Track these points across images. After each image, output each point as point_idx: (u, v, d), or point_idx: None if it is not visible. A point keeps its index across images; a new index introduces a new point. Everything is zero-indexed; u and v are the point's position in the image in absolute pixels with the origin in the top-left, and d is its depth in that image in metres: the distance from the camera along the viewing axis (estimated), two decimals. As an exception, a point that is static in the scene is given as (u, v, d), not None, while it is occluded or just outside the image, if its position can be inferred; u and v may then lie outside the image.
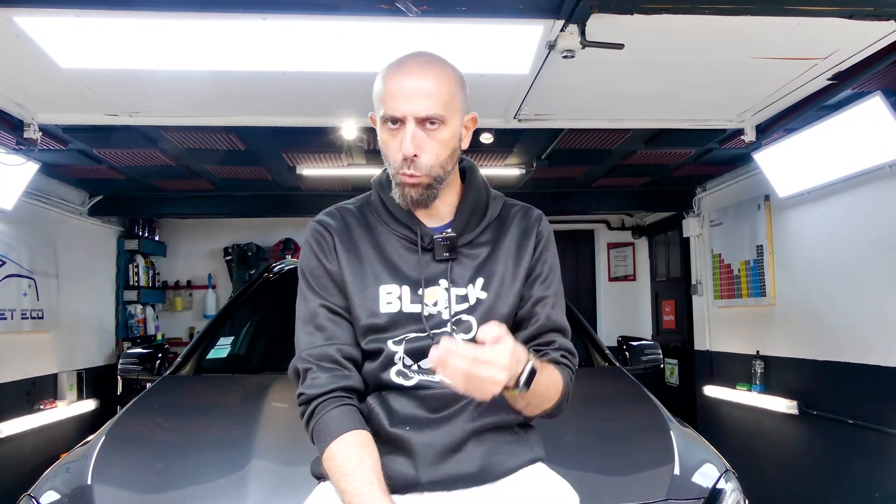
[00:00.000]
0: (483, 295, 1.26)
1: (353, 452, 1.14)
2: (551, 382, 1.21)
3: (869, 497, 3.21)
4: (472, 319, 1.25)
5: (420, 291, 1.25)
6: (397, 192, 1.26)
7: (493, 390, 1.06)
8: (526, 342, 1.27)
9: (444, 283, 1.26)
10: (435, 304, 1.25)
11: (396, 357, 1.23)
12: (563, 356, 1.29)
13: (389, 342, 1.23)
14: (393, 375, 1.23)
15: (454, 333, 1.24)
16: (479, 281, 1.27)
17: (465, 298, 1.26)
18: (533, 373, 1.12)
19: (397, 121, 1.21)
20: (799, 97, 2.76)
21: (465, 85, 1.27)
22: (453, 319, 1.24)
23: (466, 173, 1.35)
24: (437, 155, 1.22)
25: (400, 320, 1.24)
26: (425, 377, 1.23)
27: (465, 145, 1.30)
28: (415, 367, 1.24)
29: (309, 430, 1.21)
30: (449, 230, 1.29)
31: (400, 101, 1.20)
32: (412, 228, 1.29)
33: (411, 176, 1.22)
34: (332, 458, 1.15)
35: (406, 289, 1.25)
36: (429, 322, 1.24)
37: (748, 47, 2.25)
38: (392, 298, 1.25)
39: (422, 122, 1.20)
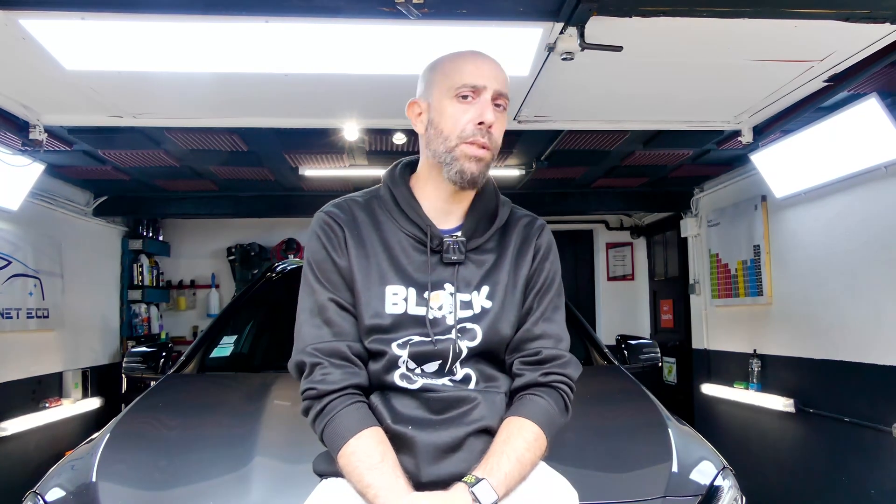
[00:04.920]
0: (488, 304, 1.26)
1: (375, 448, 1.15)
2: (526, 459, 1.18)
3: (865, 494, 3.23)
4: (477, 329, 1.25)
5: (426, 294, 1.24)
6: (453, 169, 1.22)
7: None
8: (512, 352, 1.28)
9: (449, 287, 1.25)
10: (440, 308, 1.24)
11: (400, 361, 1.23)
12: (548, 379, 1.25)
13: (393, 345, 1.23)
14: (396, 378, 1.23)
15: (458, 340, 1.24)
16: (485, 289, 1.27)
17: (469, 305, 1.26)
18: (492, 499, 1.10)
19: (475, 90, 1.22)
20: (795, 99, 2.77)
21: None
22: (458, 327, 1.24)
23: None
24: (501, 134, 1.25)
25: (404, 322, 1.23)
26: (429, 381, 1.23)
27: None
28: (418, 370, 1.23)
29: (319, 425, 1.20)
30: (458, 233, 1.28)
31: (480, 72, 1.23)
32: (422, 228, 1.27)
33: (483, 147, 1.21)
34: (353, 453, 1.15)
35: (412, 291, 1.24)
36: (433, 327, 1.23)
37: (745, 49, 2.26)
38: (398, 300, 1.24)
39: (495, 98, 1.23)
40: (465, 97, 1.22)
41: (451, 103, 1.23)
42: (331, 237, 1.28)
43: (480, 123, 1.21)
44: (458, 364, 1.25)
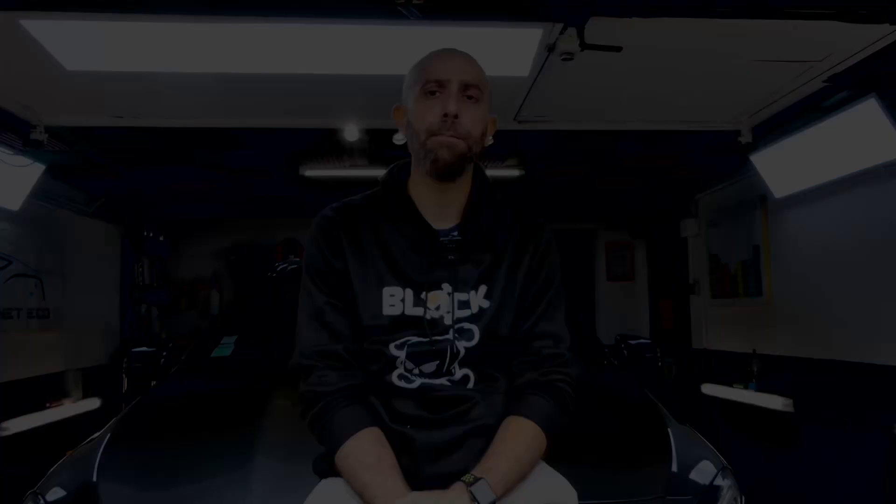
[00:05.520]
0: (486, 304, 1.26)
1: (372, 449, 1.16)
2: (525, 459, 1.19)
3: (865, 494, 3.23)
4: (474, 329, 1.25)
5: (423, 295, 1.24)
6: (427, 161, 1.24)
7: None
8: (514, 352, 1.28)
9: (447, 287, 1.25)
10: (437, 309, 1.24)
11: (398, 361, 1.23)
12: (548, 378, 1.26)
13: (391, 346, 1.23)
14: (395, 379, 1.23)
15: (456, 341, 1.24)
16: (483, 288, 1.27)
17: (466, 305, 1.26)
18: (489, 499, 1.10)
19: (440, 84, 1.23)
20: (795, 99, 2.78)
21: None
22: (455, 327, 1.24)
23: (475, 176, 1.35)
24: (474, 123, 1.24)
25: (402, 323, 1.24)
26: (427, 381, 1.23)
27: (487, 142, 1.32)
28: (416, 370, 1.24)
29: (316, 427, 1.21)
30: (455, 233, 1.29)
31: (445, 67, 1.24)
32: (419, 228, 1.28)
33: (450, 137, 1.22)
34: (351, 453, 1.16)
35: (409, 291, 1.25)
36: (431, 327, 1.23)
37: (745, 50, 2.27)
38: (395, 301, 1.24)
39: (463, 89, 1.23)
40: (432, 93, 1.24)
41: (421, 100, 1.25)
42: (328, 240, 1.29)
43: (445, 115, 1.22)
44: (456, 364, 1.25)
